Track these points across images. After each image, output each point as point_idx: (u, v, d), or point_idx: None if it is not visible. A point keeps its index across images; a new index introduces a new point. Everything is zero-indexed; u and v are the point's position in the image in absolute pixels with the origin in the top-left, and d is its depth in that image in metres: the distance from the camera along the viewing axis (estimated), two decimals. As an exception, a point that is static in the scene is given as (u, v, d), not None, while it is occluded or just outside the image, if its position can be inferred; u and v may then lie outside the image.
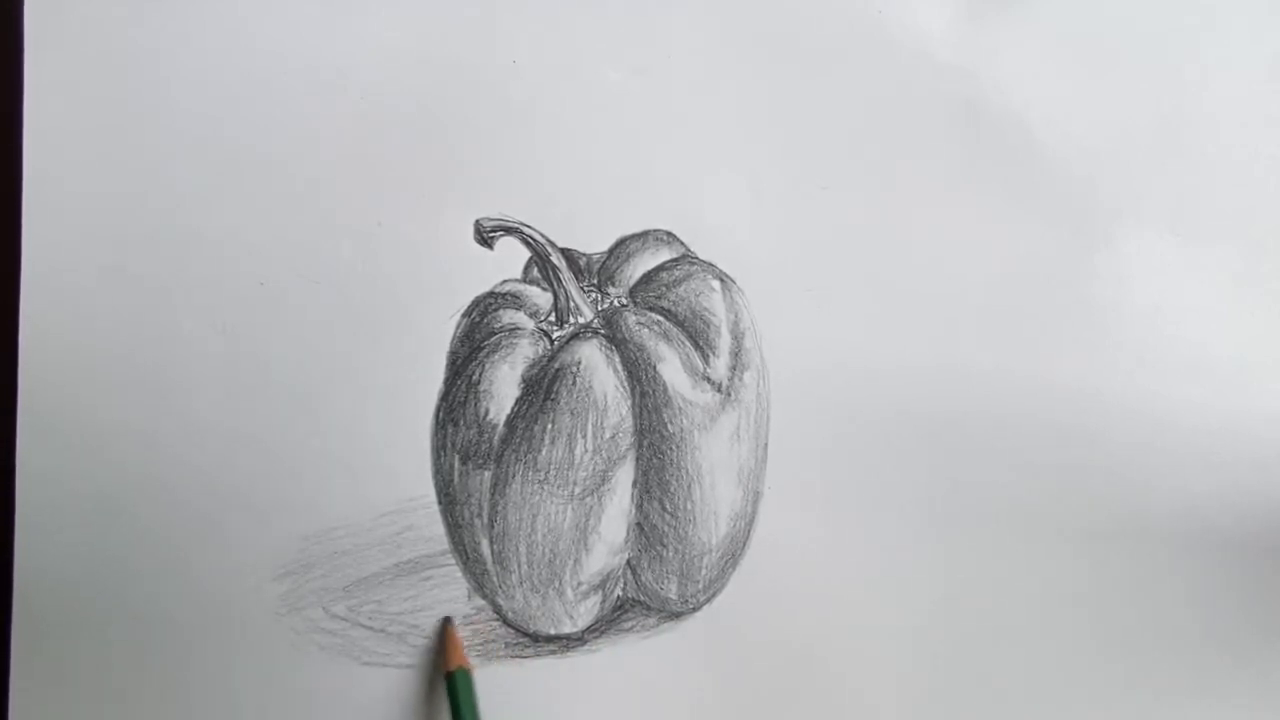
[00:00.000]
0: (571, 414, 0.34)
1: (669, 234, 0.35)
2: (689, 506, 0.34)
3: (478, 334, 0.35)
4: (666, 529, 0.34)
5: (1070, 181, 0.35)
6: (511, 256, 0.35)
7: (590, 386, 0.34)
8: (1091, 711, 0.34)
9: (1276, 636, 0.33)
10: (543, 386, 0.34)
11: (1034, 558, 0.34)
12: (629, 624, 0.35)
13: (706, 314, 0.35)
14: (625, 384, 0.34)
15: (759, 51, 0.36)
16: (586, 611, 0.34)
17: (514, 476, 0.34)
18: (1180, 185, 0.35)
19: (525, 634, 0.34)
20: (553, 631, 0.34)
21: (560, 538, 0.34)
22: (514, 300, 0.35)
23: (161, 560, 0.34)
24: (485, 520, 0.34)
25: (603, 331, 0.34)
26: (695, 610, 0.35)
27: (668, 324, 0.34)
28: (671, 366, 0.34)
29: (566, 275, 0.35)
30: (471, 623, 0.34)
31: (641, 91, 0.36)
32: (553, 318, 0.35)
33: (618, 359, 0.34)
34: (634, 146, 0.35)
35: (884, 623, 0.35)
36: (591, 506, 0.34)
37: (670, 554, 0.34)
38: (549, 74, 0.36)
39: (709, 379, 0.34)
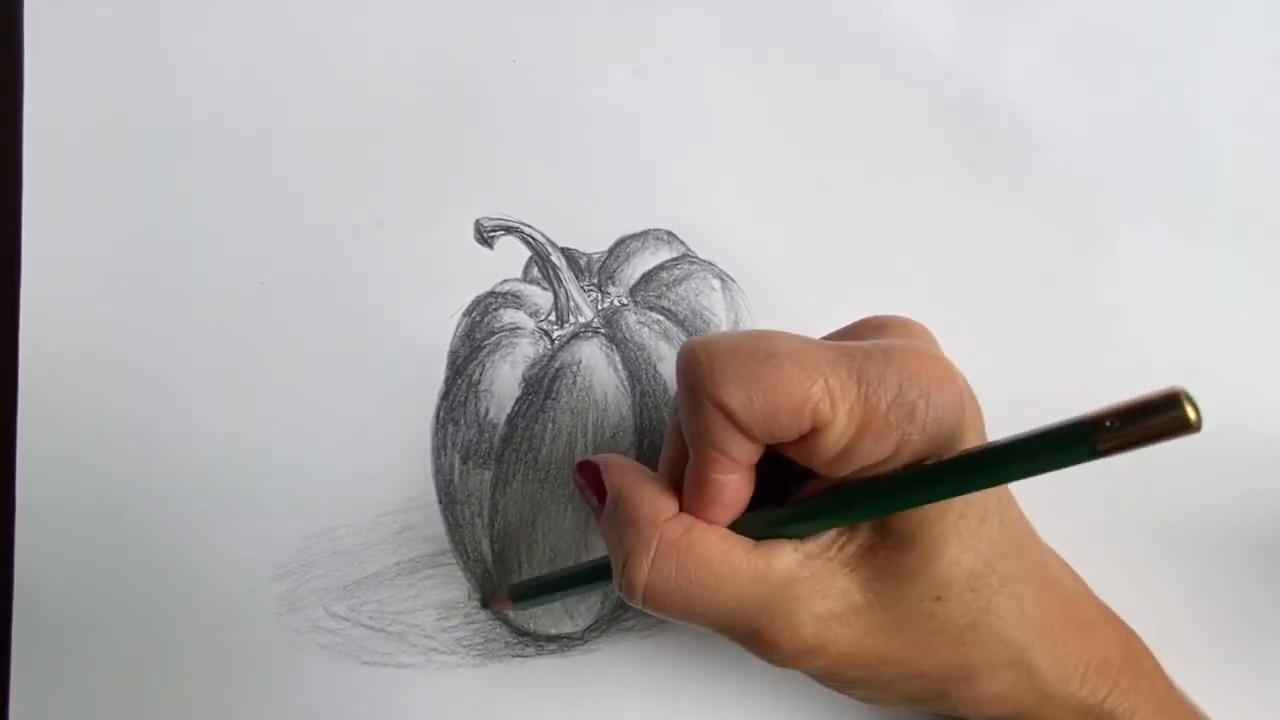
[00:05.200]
0: (572, 413, 0.34)
1: (669, 234, 0.35)
2: (689, 506, 0.34)
3: (478, 333, 0.35)
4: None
5: (1070, 181, 0.35)
6: (511, 256, 0.35)
7: (591, 386, 0.34)
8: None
9: (1276, 636, 0.33)
10: (543, 386, 0.34)
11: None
12: (629, 623, 0.34)
13: (706, 313, 0.35)
14: (626, 383, 0.34)
15: (759, 51, 0.36)
16: (586, 611, 0.34)
17: (514, 476, 0.34)
18: (1180, 185, 0.35)
19: (525, 633, 0.34)
20: (553, 631, 0.34)
21: (561, 537, 0.34)
22: (514, 300, 0.35)
23: (161, 560, 0.34)
24: (486, 520, 0.34)
25: (603, 331, 0.35)
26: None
27: (668, 323, 0.34)
28: (672, 366, 0.34)
29: (566, 275, 0.35)
30: (471, 622, 0.34)
31: (641, 91, 0.36)
32: (553, 317, 0.35)
33: (618, 358, 0.34)
34: (634, 146, 0.35)
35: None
36: (592, 506, 0.34)
37: (670, 554, 0.34)
38: (549, 74, 0.36)
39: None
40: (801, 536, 0.26)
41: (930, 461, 0.24)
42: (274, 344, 0.35)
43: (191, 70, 0.36)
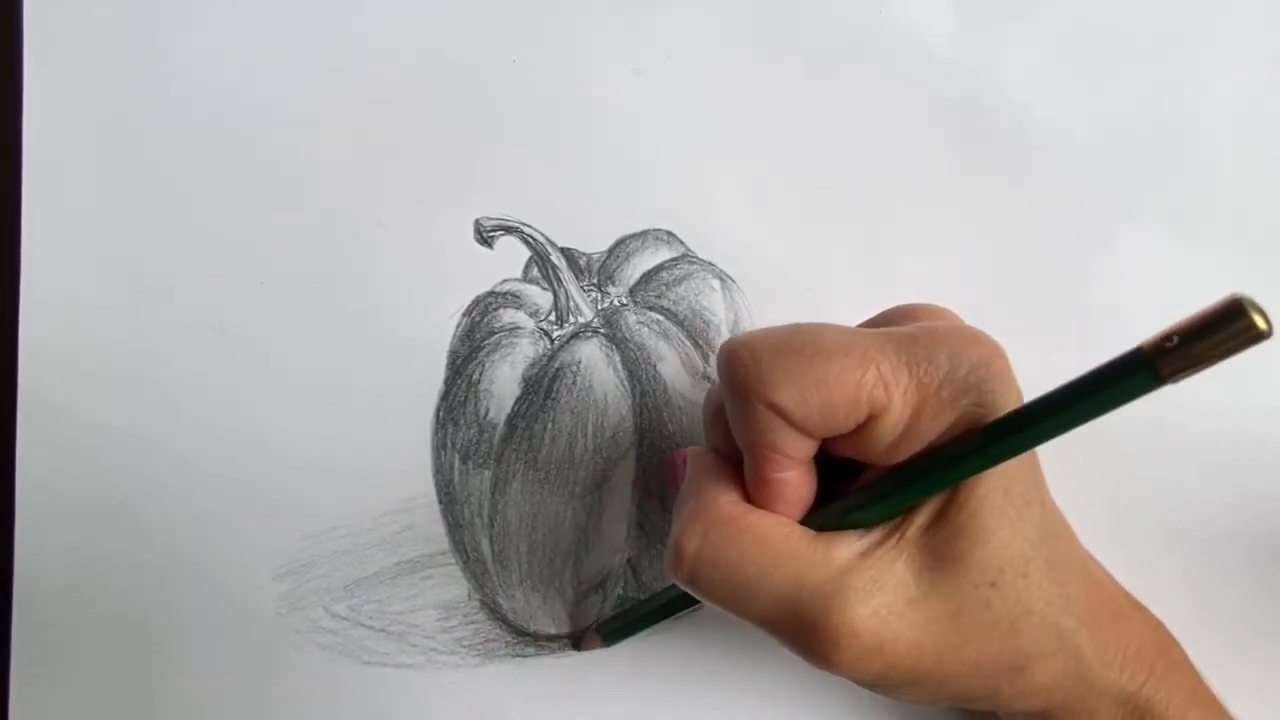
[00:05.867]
0: (572, 413, 0.34)
1: (669, 233, 0.35)
2: (689, 506, 0.34)
3: (478, 333, 0.35)
4: (667, 527, 0.34)
5: (1070, 181, 0.35)
6: (511, 256, 0.35)
7: (590, 386, 0.34)
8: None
9: (1276, 636, 0.33)
10: (543, 386, 0.34)
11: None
12: (629, 624, 0.34)
13: (706, 313, 0.35)
14: (625, 383, 0.34)
15: (759, 51, 0.36)
16: (587, 610, 0.34)
17: (514, 476, 0.34)
18: (1180, 185, 0.35)
19: (525, 633, 0.34)
20: (553, 631, 0.34)
21: (560, 537, 0.34)
22: (514, 299, 0.35)
23: (161, 560, 0.34)
24: (485, 519, 0.34)
25: (603, 331, 0.35)
26: (695, 609, 0.35)
27: (668, 323, 0.34)
28: (671, 366, 0.34)
29: (566, 274, 0.35)
30: (471, 622, 0.34)
31: (641, 91, 0.36)
32: (553, 317, 0.35)
33: (618, 358, 0.34)
34: (634, 146, 0.35)
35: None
36: (591, 505, 0.34)
37: (670, 553, 0.34)
38: (549, 74, 0.36)
39: (709, 378, 0.34)
40: (869, 524, 0.26)
41: (996, 417, 0.24)
42: (274, 344, 0.35)
43: (191, 70, 0.36)
